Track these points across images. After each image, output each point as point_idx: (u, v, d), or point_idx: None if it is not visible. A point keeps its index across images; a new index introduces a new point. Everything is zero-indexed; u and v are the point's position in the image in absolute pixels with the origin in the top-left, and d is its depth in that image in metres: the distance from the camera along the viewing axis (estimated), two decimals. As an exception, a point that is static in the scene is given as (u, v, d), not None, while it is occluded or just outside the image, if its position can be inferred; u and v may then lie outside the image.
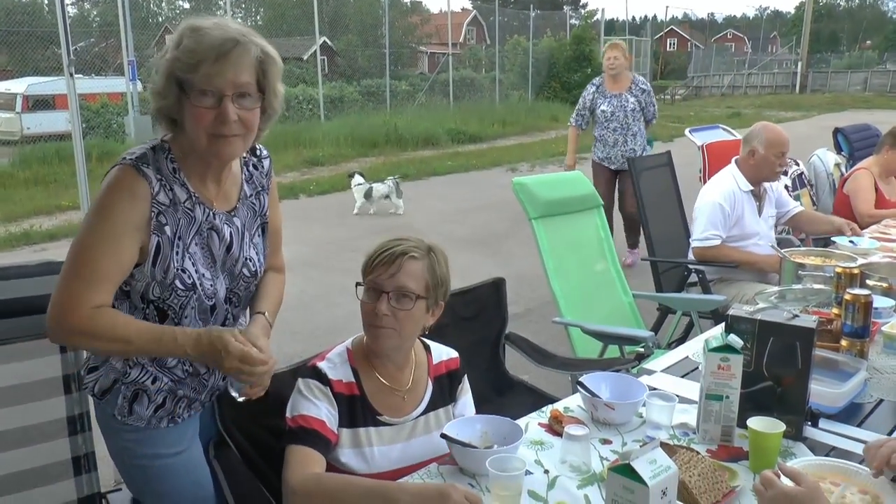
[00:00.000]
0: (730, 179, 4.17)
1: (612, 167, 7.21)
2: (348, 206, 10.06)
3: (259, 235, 2.06)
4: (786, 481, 1.63)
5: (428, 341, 2.19)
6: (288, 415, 1.96)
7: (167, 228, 1.81)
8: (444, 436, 1.93)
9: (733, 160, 4.26)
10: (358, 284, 2.02)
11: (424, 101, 22.22)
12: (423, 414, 2.09)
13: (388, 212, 9.89)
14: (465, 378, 2.22)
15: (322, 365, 2.01)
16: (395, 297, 1.95)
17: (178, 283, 1.83)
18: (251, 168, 2.05)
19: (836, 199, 5.59)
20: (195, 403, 2.04)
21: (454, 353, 2.22)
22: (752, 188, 4.15)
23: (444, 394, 2.14)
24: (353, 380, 2.01)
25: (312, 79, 20.41)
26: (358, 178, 10.11)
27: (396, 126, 16.57)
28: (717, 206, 4.07)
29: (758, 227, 4.19)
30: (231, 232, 1.94)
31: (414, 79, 25.08)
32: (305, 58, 23.36)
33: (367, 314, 1.99)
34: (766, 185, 4.28)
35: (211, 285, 1.90)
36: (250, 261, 2.00)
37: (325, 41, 23.22)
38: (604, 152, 7.23)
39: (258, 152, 2.08)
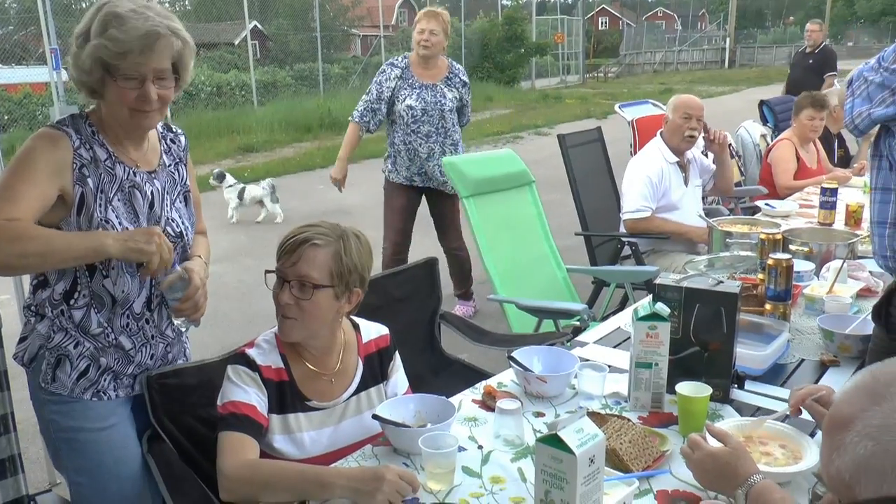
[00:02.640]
0: (656, 152, 4.25)
1: (422, 185, 5.10)
2: (285, 192, 9.88)
3: (181, 202, 2.15)
4: (714, 442, 1.67)
5: (357, 319, 2.18)
6: (219, 402, 1.95)
7: (90, 181, 1.91)
8: (376, 416, 1.93)
9: (658, 133, 4.34)
10: (267, 273, 2.00)
11: (358, 84, 21.94)
12: (353, 395, 2.08)
13: (257, 220, 8.53)
14: (397, 355, 2.21)
15: (251, 351, 1.99)
16: (297, 286, 1.92)
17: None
18: (168, 142, 2.18)
19: (762, 168, 5.73)
20: (122, 379, 2.06)
21: (384, 330, 2.20)
22: (677, 160, 4.24)
23: (374, 372, 2.14)
24: (282, 365, 1.99)
25: (244, 64, 20.03)
26: (229, 179, 8.62)
27: (330, 110, 16.36)
28: (645, 179, 4.15)
29: (684, 198, 4.28)
30: (152, 191, 2.05)
31: (347, 62, 24.80)
32: (237, 43, 22.91)
33: (276, 304, 1.97)
34: (690, 155, 4.37)
35: None
36: (174, 222, 2.10)
37: (255, 25, 22.78)
38: (412, 169, 5.03)
39: (174, 130, 2.22)
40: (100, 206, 1.92)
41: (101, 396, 2.03)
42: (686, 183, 4.32)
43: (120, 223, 1.94)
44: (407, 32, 29.03)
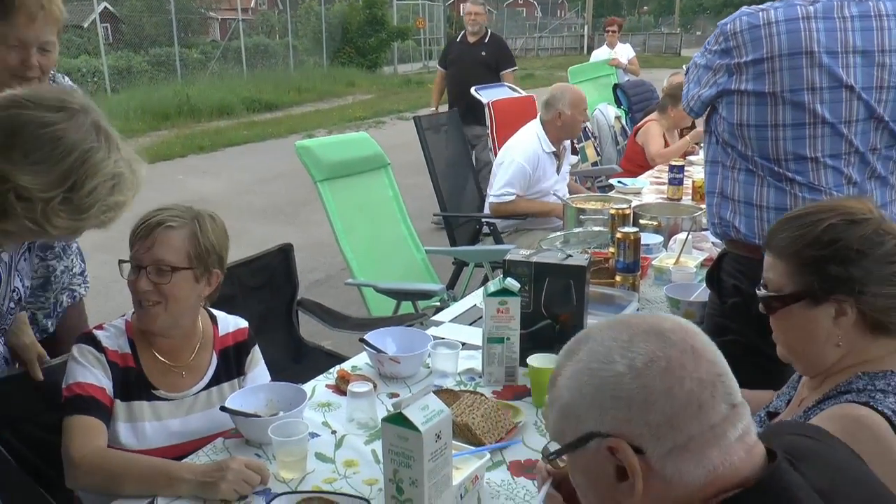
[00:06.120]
0: (534, 141, 4.31)
1: None
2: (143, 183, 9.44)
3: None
4: None
5: (215, 312, 2.11)
6: (63, 385, 1.85)
7: None
8: (224, 408, 1.86)
9: (538, 119, 4.39)
10: (121, 262, 1.90)
11: (217, 69, 21.30)
12: (204, 389, 2.00)
13: None
14: (256, 349, 2.13)
15: (98, 332, 1.91)
16: (154, 271, 1.84)
17: None
18: None
19: (629, 148, 5.89)
20: None
21: (243, 323, 2.13)
22: (554, 149, 4.33)
23: (230, 367, 2.06)
24: (128, 351, 1.92)
25: (95, 49, 18.99)
26: None
27: (188, 96, 15.77)
28: (519, 167, 4.22)
29: (556, 186, 4.40)
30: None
31: (205, 46, 23.92)
32: (86, 25, 21.72)
33: (133, 292, 1.88)
34: (566, 142, 4.48)
35: None
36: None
37: (105, 7, 21.67)
38: None
39: None
40: None
41: None
42: (558, 171, 4.43)
43: None
44: (267, 16, 28.40)
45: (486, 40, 7.22)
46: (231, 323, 2.11)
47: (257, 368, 2.12)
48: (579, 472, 1.06)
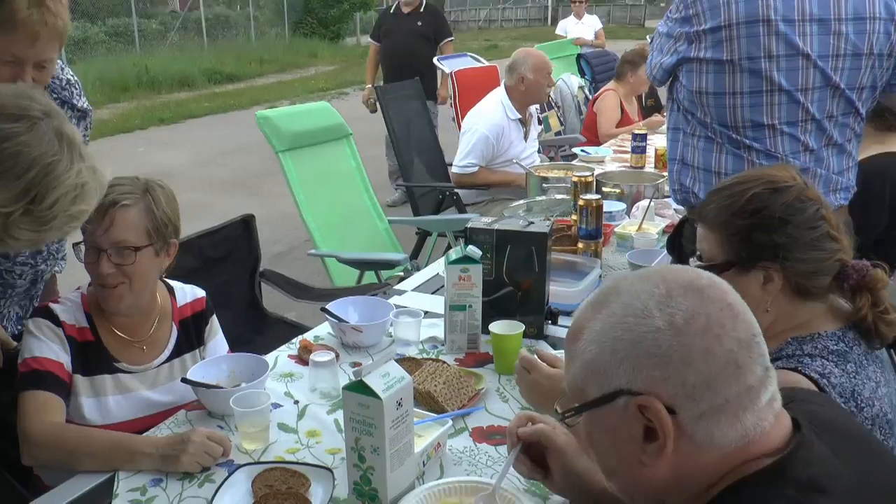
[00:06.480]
0: (499, 109, 4.26)
1: None
2: (102, 157, 9.26)
3: None
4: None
5: (172, 282, 2.08)
6: (19, 360, 1.81)
7: None
8: (185, 380, 1.84)
9: (503, 85, 4.35)
10: (75, 245, 1.85)
11: (177, 40, 20.91)
12: (167, 361, 1.98)
13: None
14: (214, 318, 2.12)
15: (54, 305, 1.87)
16: (115, 252, 1.80)
17: None
18: None
19: (587, 117, 5.90)
20: None
21: (200, 293, 2.11)
22: (520, 116, 4.30)
23: (190, 338, 2.04)
24: (86, 325, 1.88)
25: (48, 20, 18.50)
26: None
27: (148, 68, 15.52)
28: (483, 137, 4.19)
29: (524, 153, 4.37)
30: None
31: (164, 17, 23.47)
32: (38, -3, 21.13)
33: (92, 275, 1.85)
34: (532, 108, 4.45)
35: None
36: None
37: (58, -23, 21.06)
38: None
39: None
40: None
41: None
42: (526, 138, 4.40)
43: None
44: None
45: (422, 9, 6.73)
46: (189, 293, 2.09)
47: (216, 338, 2.11)
48: (601, 431, 1.01)
